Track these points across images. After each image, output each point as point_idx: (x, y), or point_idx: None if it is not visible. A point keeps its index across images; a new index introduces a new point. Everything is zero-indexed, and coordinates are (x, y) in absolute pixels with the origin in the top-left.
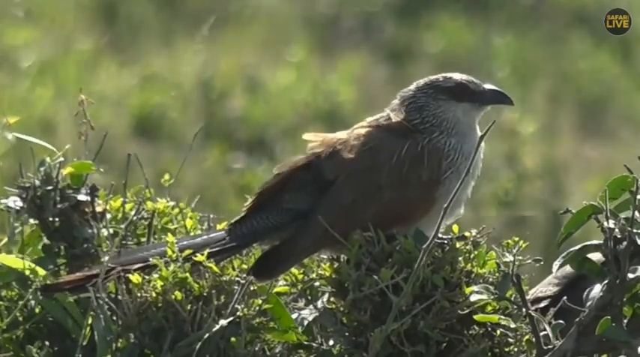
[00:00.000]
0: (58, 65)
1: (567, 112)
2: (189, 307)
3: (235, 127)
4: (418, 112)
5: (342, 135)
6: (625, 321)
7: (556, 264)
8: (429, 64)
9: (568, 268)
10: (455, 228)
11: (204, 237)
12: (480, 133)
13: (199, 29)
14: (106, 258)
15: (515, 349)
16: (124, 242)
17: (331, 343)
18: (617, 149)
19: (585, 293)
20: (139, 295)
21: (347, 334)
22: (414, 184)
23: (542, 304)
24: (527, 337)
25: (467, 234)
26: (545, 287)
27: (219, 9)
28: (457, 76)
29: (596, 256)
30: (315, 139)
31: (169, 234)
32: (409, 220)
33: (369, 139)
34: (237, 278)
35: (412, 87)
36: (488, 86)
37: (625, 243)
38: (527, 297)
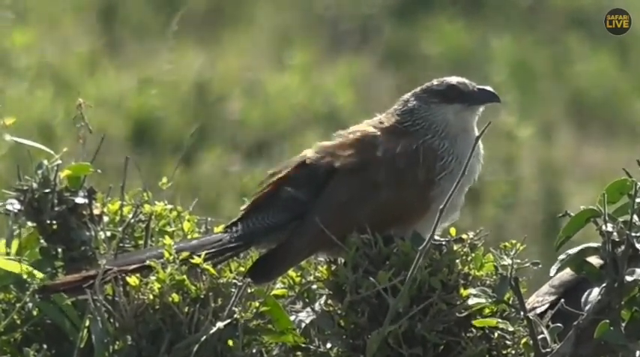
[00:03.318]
0: (57, 68)
1: (565, 115)
2: (186, 309)
3: (234, 129)
4: (410, 115)
5: (338, 140)
6: (623, 324)
7: (554, 268)
8: (427, 67)
9: (564, 277)
10: (452, 231)
11: (202, 239)
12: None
13: (201, 32)
14: (104, 261)
15: (513, 352)
16: (121, 245)
17: (329, 345)
18: (616, 152)
19: (584, 297)
20: (136, 297)
21: (344, 336)
22: (411, 183)
23: (539, 311)
24: (524, 340)
25: (464, 236)
26: (542, 297)
27: (217, 11)
28: (451, 79)
29: (595, 261)
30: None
31: (166, 236)
32: (405, 221)
33: (363, 139)
34: (234, 281)
35: (410, 92)
36: (478, 87)
37: (623, 246)
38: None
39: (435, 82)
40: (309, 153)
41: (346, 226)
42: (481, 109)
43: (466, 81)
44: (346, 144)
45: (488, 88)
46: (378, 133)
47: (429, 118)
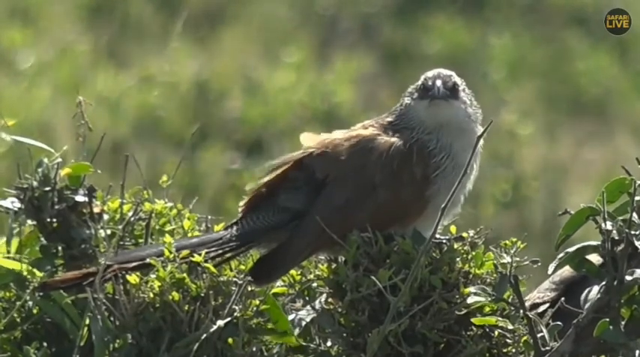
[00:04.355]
0: (56, 67)
1: (565, 114)
2: (186, 307)
3: (233, 127)
4: (397, 113)
5: (336, 135)
6: (622, 323)
7: (552, 266)
8: (426, 65)
9: (565, 273)
10: (453, 229)
11: (202, 238)
12: (471, 130)
13: (198, 30)
14: (104, 259)
15: (513, 351)
16: (121, 243)
17: (329, 344)
18: (616, 151)
19: (583, 295)
20: (136, 295)
21: (345, 334)
22: (408, 181)
23: (540, 310)
24: (524, 338)
25: (464, 235)
26: (543, 293)
27: (216, 9)
28: (429, 72)
29: (595, 259)
30: (310, 140)
31: (167, 235)
32: (404, 220)
33: (359, 139)
34: (234, 279)
35: None
36: (434, 81)
37: (623, 245)
38: (525, 301)
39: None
40: (306, 141)
41: (346, 226)
42: (447, 103)
43: (436, 74)
44: (343, 148)
45: (438, 82)
46: (373, 135)
47: (408, 114)
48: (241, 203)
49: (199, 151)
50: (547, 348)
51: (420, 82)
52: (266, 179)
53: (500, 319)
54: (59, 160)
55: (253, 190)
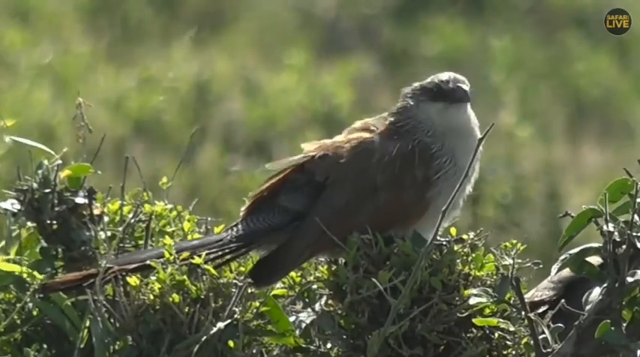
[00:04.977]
0: (56, 68)
1: (565, 115)
2: (186, 309)
3: (233, 129)
4: (402, 114)
5: (337, 139)
6: (624, 324)
7: (554, 268)
8: (426, 67)
9: (563, 273)
10: (453, 231)
11: (202, 240)
12: (475, 135)
13: (198, 32)
14: (104, 261)
15: (514, 352)
16: (121, 245)
17: (329, 345)
18: (616, 152)
19: (585, 297)
20: (136, 297)
21: (345, 336)
22: (409, 184)
23: (540, 310)
24: (525, 340)
25: (464, 237)
26: (541, 292)
27: (216, 11)
28: (442, 75)
29: (595, 260)
30: (311, 145)
31: (167, 237)
32: (405, 222)
33: (360, 141)
34: (234, 281)
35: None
36: (457, 84)
37: (624, 246)
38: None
39: (429, 79)
40: (307, 147)
41: (346, 228)
42: (466, 107)
43: (452, 77)
44: (343, 151)
45: (464, 86)
46: (374, 137)
47: (417, 116)
48: (242, 208)
49: (199, 152)
50: (548, 350)
51: (430, 85)
52: (266, 185)
53: (501, 320)
54: (59, 161)
55: (254, 195)
